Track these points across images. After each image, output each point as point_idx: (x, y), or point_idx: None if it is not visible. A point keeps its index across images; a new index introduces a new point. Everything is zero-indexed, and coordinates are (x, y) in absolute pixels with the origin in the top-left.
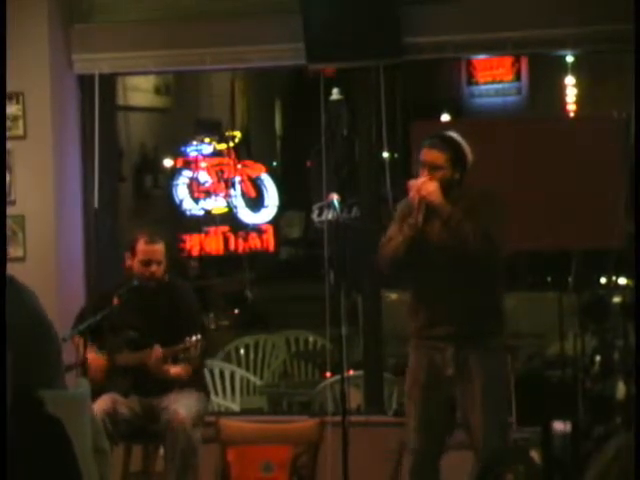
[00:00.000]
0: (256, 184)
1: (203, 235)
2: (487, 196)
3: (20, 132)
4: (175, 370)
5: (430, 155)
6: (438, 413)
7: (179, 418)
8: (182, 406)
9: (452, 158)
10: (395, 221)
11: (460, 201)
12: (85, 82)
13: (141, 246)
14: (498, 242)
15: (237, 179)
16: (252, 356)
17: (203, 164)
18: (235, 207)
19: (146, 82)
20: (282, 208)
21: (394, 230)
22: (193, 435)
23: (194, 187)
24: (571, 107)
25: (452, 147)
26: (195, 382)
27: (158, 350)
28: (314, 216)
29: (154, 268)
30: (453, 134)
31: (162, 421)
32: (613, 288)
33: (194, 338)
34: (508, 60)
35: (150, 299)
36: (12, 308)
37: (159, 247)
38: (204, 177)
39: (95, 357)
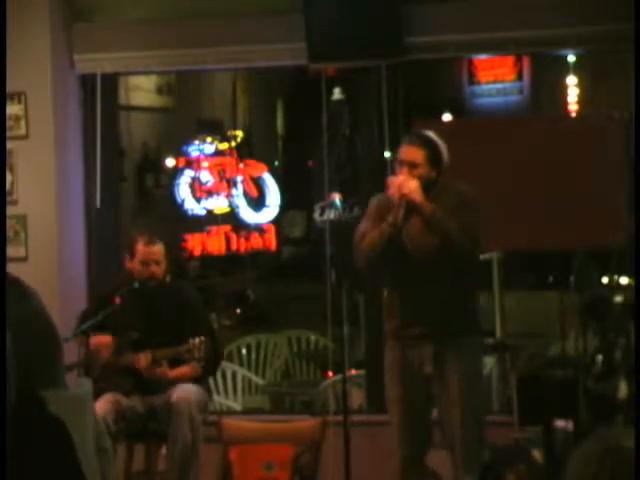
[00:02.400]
0: (258, 184)
1: (205, 235)
2: (463, 195)
3: (22, 132)
4: (178, 371)
5: (409, 153)
6: (419, 411)
7: (184, 399)
8: (187, 392)
9: (430, 156)
10: (368, 217)
11: (436, 200)
12: (87, 82)
13: (140, 247)
14: (477, 240)
15: (239, 179)
16: (254, 355)
17: (205, 164)
18: (237, 207)
19: (148, 82)
20: (284, 208)
21: (367, 226)
22: (197, 417)
23: (196, 187)
24: (573, 107)
25: (430, 145)
26: (198, 381)
27: (147, 355)
28: (316, 215)
29: (153, 268)
30: (430, 133)
31: (164, 406)
32: (615, 287)
33: (197, 340)
34: (510, 60)
35: (153, 300)
36: (17, 308)
37: (158, 248)
38: (206, 177)
39: (99, 337)
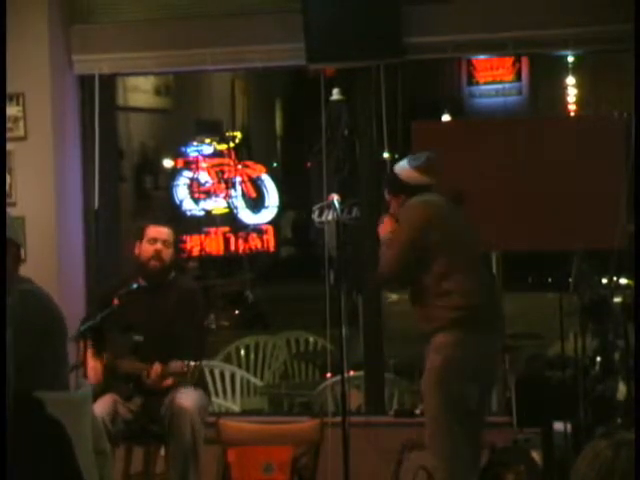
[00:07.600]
0: (256, 184)
1: (203, 236)
2: None
3: (21, 133)
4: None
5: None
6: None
7: (184, 407)
8: (187, 398)
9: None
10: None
11: None
12: (85, 82)
13: (148, 228)
14: None
15: (237, 179)
16: (252, 357)
17: (203, 164)
18: (235, 207)
19: (146, 82)
20: (282, 208)
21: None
22: (197, 424)
23: (194, 188)
24: (572, 107)
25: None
26: (196, 383)
27: (158, 368)
28: (314, 216)
29: (159, 246)
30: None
31: (166, 412)
32: (614, 288)
33: (192, 364)
34: (508, 60)
35: (153, 300)
36: (29, 307)
37: (165, 229)
38: (204, 178)
39: (94, 365)
